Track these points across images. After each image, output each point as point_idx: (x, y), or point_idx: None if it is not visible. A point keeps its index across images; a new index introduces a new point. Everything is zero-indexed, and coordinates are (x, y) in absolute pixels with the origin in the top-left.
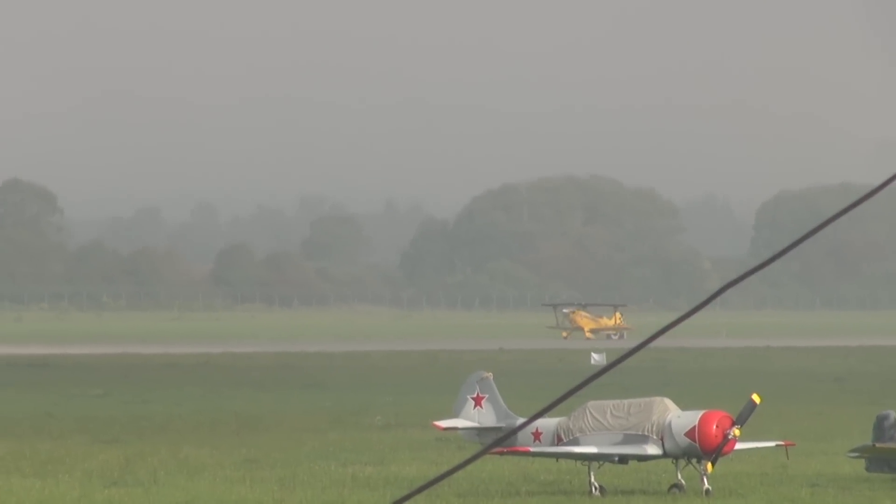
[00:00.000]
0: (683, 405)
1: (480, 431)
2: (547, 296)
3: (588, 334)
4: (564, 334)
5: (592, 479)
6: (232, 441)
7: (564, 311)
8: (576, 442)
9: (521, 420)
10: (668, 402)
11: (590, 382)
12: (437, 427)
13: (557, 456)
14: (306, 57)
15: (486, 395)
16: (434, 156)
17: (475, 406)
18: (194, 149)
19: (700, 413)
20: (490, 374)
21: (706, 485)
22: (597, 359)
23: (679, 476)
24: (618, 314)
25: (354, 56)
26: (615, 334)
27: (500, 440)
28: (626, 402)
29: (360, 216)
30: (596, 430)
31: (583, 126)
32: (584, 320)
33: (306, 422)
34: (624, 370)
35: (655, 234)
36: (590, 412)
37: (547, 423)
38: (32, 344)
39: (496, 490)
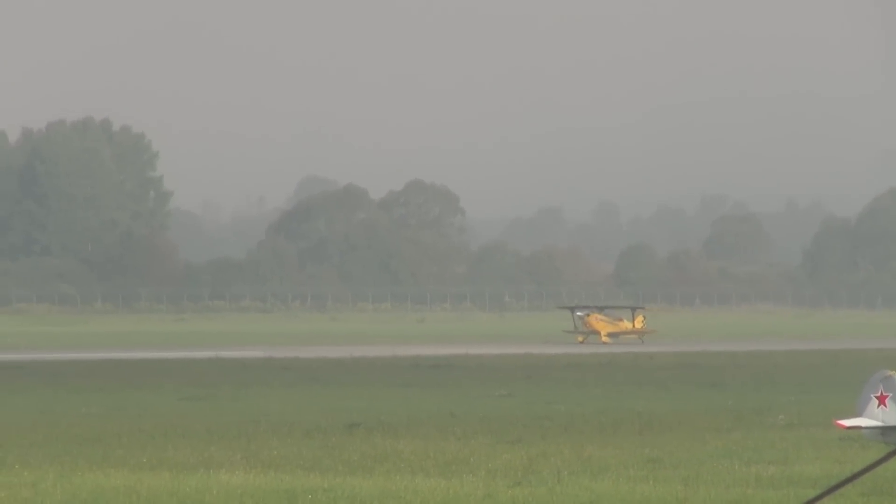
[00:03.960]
0: None
1: (885, 430)
2: None
3: (604, 338)
4: (580, 339)
5: None
6: (634, 441)
7: (579, 314)
8: None
9: None
10: None
11: None
12: (840, 426)
13: None
14: (709, 58)
15: (890, 394)
16: (834, 155)
17: (879, 405)
18: (594, 149)
19: None
20: (894, 372)
21: None
22: None
23: None
24: (640, 317)
25: (740, 53)
26: (637, 338)
27: None
28: None
29: (760, 215)
30: None
31: None
32: (600, 324)
33: (708, 421)
34: None
35: None
36: None
37: None
38: (435, 344)
39: None
